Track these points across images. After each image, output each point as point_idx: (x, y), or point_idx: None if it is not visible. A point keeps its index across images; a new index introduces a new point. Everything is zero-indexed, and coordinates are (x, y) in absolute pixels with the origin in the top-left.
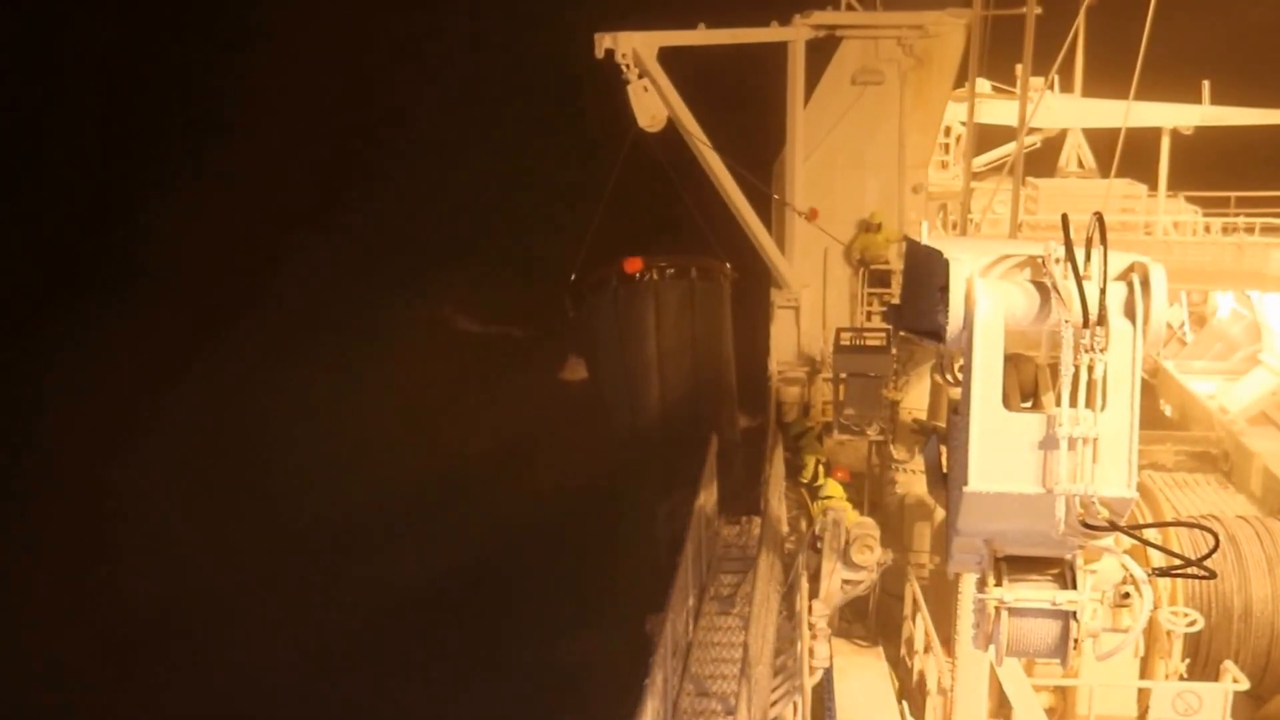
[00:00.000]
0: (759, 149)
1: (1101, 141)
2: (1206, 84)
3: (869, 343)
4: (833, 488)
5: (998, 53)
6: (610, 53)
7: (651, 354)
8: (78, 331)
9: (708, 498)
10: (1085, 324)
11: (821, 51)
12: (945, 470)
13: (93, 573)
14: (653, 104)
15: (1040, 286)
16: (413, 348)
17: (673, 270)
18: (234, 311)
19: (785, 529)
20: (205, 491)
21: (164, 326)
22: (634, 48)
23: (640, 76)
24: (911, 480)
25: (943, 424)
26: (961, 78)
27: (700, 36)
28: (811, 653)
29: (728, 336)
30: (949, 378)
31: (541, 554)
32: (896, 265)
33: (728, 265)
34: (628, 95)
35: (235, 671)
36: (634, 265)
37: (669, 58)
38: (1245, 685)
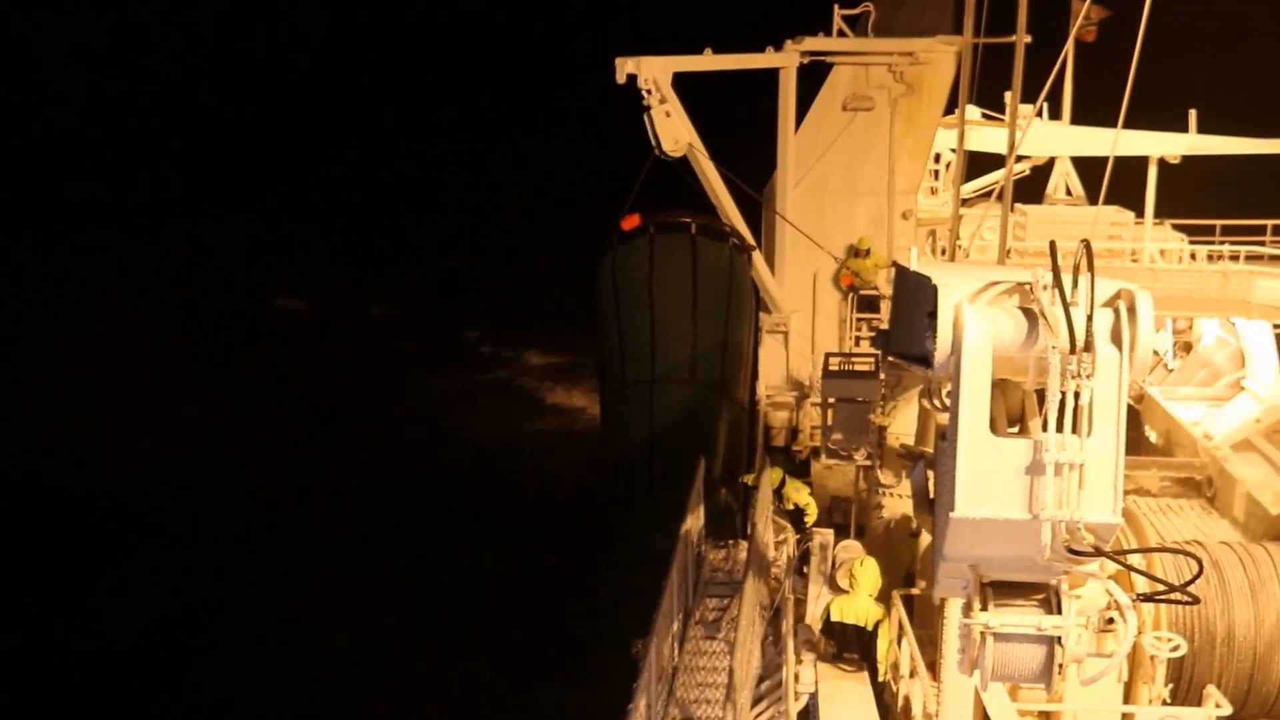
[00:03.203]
0: (751, 174)
1: (1089, 169)
2: (1193, 113)
3: (857, 368)
4: (794, 492)
5: (987, 80)
6: (632, 78)
7: (644, 312)
8: None
9: (694, 522)
10: (1072, 350)
11: (814, 78)
12: (932, 495)
13: None
14: (675, 129)
15: (1028, 313)
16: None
17: (672, 226)
18: None
19: (771, 553)
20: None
21: None
22: (654, 73)
23: (661, 102)
24: (898, 505)
25: (930, 449)
26: (951, 105)
27: (708, 62)
28: (797, 678)
29: (740, 299)
30: (937, 403)
31: (524, 569)
32: (885, 290)
33: (743, 237)
34: (649, 120)
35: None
36: (631, 221)
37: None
38: (1228, 710)
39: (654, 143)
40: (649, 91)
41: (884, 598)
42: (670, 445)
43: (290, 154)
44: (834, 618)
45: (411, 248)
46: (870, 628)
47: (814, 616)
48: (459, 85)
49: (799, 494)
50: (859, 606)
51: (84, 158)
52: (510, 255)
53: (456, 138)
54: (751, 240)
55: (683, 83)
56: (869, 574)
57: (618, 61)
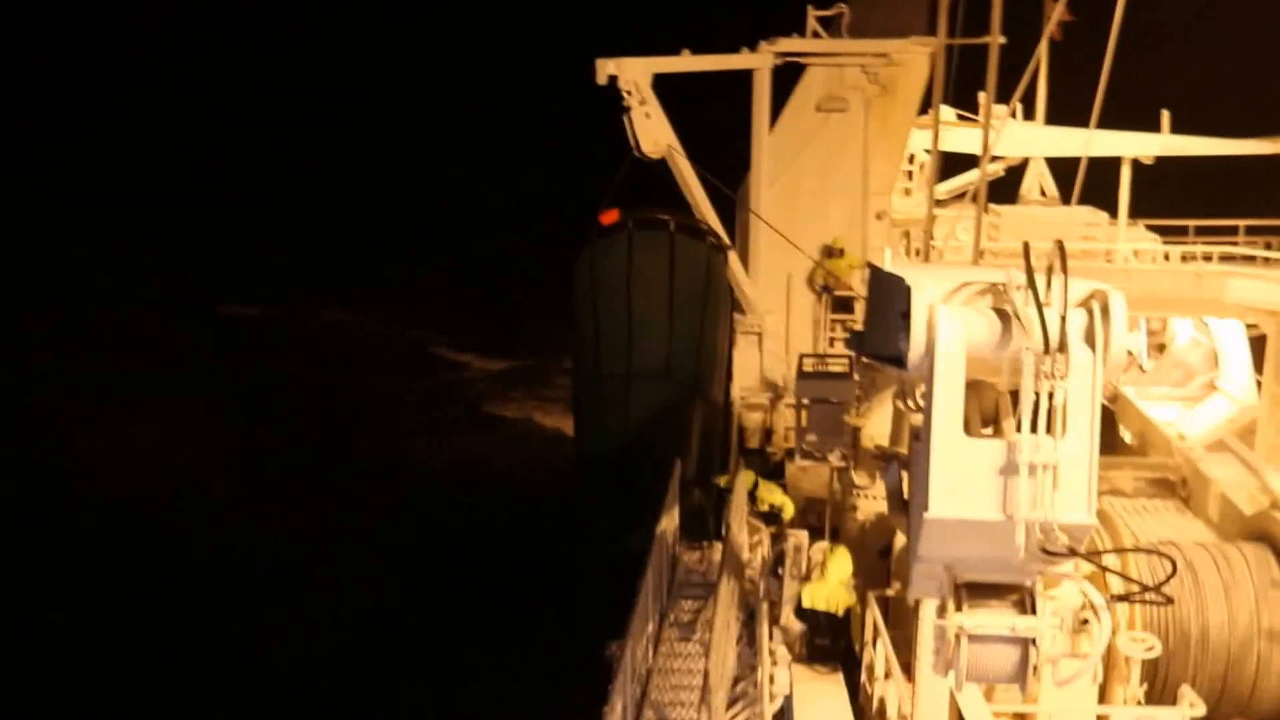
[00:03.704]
0: (727, 174)
1: (1064, 170)
2: (1166, 114)
3: (831, 369)
4: (767, 493)
5: (962, 81)
6: (612, 79)
7: (622, 307)
8: None
9: (669, 523)
10: (1046, 351)
11: (789, 79)
12: (906, 496)
13: None
14: (654, 130)
15: (1002, 313)
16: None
17: (650, 223)
18: None
19: (746, 555)
20: None
21: None
22: (635, 75)
23: (641, 103)
24: (873, 506)
25: (904, 450)
26: (925, 105)
27: (686, 63)
28: (772, 679)
29: (716, 298)
30: (911, 404)
31: (496, 572)
32: (860, 291)
33: (720, 236)
34: (629, 121)
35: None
36: (610, 217)
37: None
38: (1202, 710)
39: (633, 143)
40: (629, 93)
41: (860, 599)
42: (645, 442)
43: (247, 156)
44: (805, 604)
45: (369, 250)
46: (840, 614)
47: (788, 614)
48: (426, 82)
49: (773, 494)
50: (830, 593)
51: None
52: (475, 258)
53: (423, 138)
54: (727, 240)
55: (659, 82)
56: (840, 561)
57: (599, 63)
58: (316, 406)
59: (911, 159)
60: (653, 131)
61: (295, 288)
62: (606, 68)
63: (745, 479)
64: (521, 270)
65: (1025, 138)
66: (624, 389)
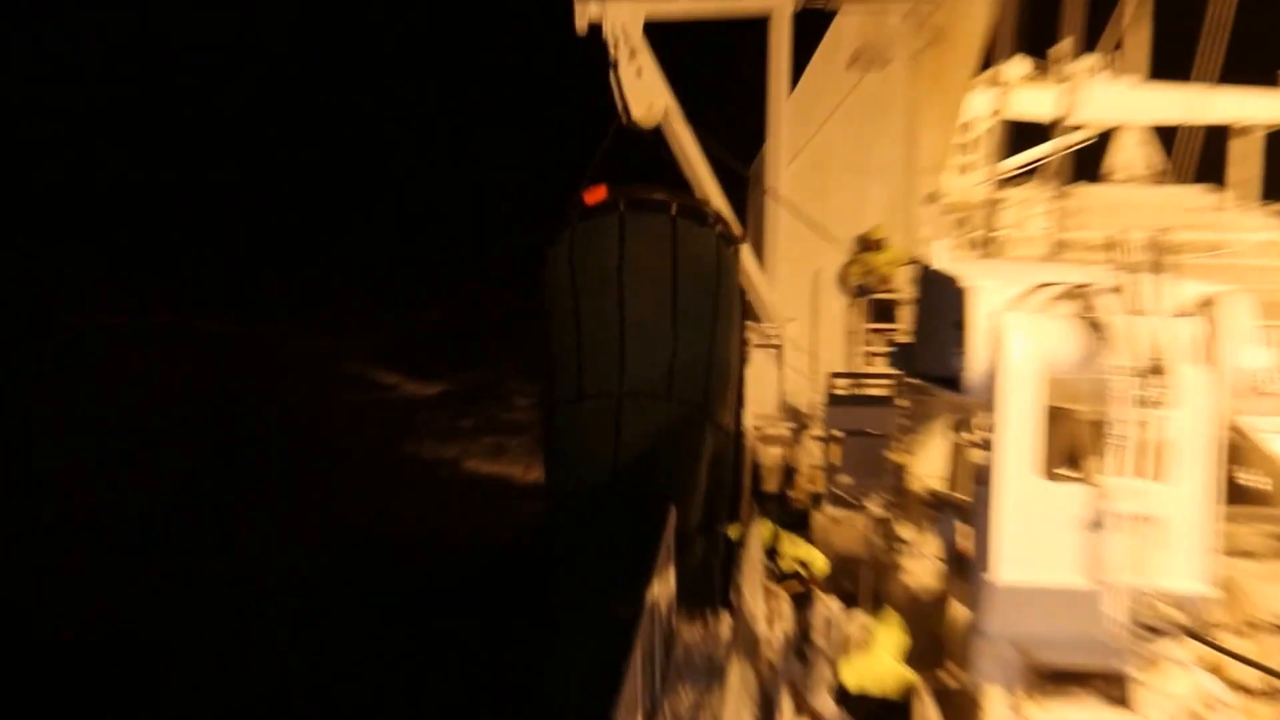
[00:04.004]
0: (737, 149)
1: (1167, 140)
2: None
3: (870, 392)
4: (790, 547)
5: (1034, 27)
6: (594, 28)
7: (612, 308)
8: None
9: (664, 587)
10: (1144, 371)
11: (814, 28)
12: (967, 556)
13: None
14: (648, 91)
15: (1087, 323)
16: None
17: (647, 204)
18: None
19: (763, 629)
20: None
21: None
22: (622, 21)
23: (631, 57)
24: (923, 569)
25: (964, 496)
26: (988, 60)
27: (685, 8)
28: None
29: (728, 299)
30: (971, 437)
31: (439, 651)
32: (905, 294)
33: (730, 223)
34: (615, 80)
35: None
36: (596, 194)
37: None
38: None
39: (620, 108)
40: (616, 44)
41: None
42: (639, 480)
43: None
44: (851, 686)
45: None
46: (897, 697)
47: (822, 701)
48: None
49: (797, 548)
50: (882, 671)
51: None
52: (397, 253)
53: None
54: (739, 229)
55: (655, 35)
56: (890, 629)
57: (577, 6)
58: (198, 442)
59: (970, 127)
60: (645, 92)
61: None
62: (587, 12)
63: (761, 531)
64: (461, 267)
65: (1117, 98)
66: (613, 412)
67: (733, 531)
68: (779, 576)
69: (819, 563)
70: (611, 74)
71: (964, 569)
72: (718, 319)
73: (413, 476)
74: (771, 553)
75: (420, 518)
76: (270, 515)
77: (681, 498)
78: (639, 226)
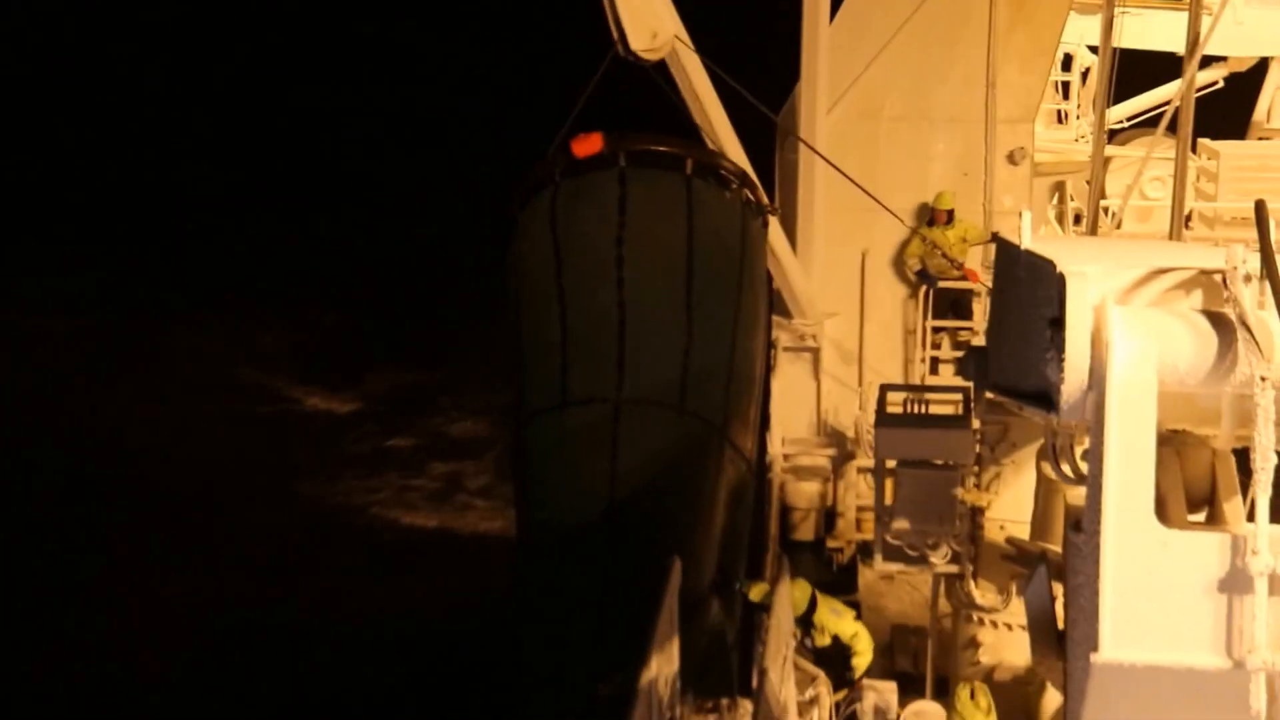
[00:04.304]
0: (764, 96)
1: None
2: None
3: (934, 410)
4: (831, 617)
5: None
6: None
7: (609, 291)
8: None
9: (663, 664)
10: None
11: None
12: (1062, 625)
13: None
14: (651, 14)
15: (1219, 320)
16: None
17: (655, 158)
18: None
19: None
20: None
21: None
22: None
23: None
24: (1005, 640)
25: (1056, 547)
26: None
27: None
28: None
29: (753, 287)
30: (1067, 470)
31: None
32: (981, 282)
33: (757, 186)
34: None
35: None
36: (589, 144)
37: None
38: None
39: (616, 35)
40: None
41: None
42: (642, 516)
43: None
44: None
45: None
46: None
47: None
48: None
49: (840, 622)
50: None
51: None
52: (308, 230)
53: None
54: (765, 198)
55: None
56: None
57: None
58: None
59: (1067, 63)
60: (647, 16)
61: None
62: None
63: (796, 594)
64: (381, 241)
65: (1261, 26)
66: (609, 422)
67: (754, 592)
68: (815, 654)
69: (863, 643)
70: None
71: (1059, 643)
72: (740, 312)
73: (328, 526)
74: (806, 622)
75: (336, 589)
76: (118, 588)
77: (693, 544)
78: (645, 187)
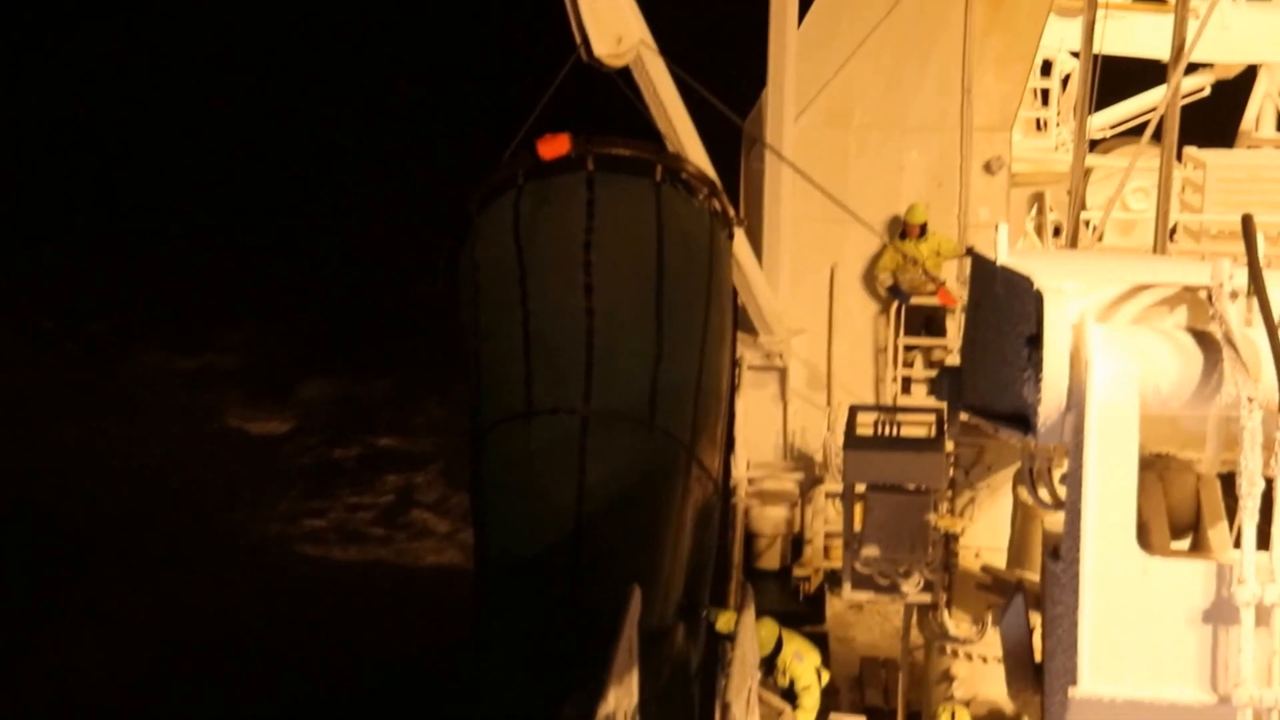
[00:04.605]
0: (730, 102)
1: None
2: None
3: (906, 433)
4: (794, 663)
5: None
6: None
7: (575, 297)
8: None
9: (621, 699)
10: None
11: None
12: (1039, 657)
13: None
14: (616, 18)
15: (1204, 339)
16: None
17: (624, 162)
18: None
19: None
20: None
21: None
22: None
23: None
24: (980, 673)
25: (1034, 576)
26: None
27: None
28: None
29: (720, 297)
30: (1044, 495)
31: None
32: (956, 298)
33: (723, 196)
34: (570, 3)
35: None
36: (556, 145)
37: None
38: None
39: (579, 39)
40: None
41: None
42: (609, 533)
43: None
44: None
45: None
46: None
47: None
48: None
49: (801, 668)
50: None
51: None
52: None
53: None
54: (731, 209)
55: None
56: None
57: None
58: None
59: (1048, 69)
60: (612, 20)
61: None
62: None
63: (762, 634)
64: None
65: (1250, 30)
66: (576, 435)
67: (721, 622)
68: (780, 691)
69: (811, 695)
70: None
71: (1036, 676)
72: (709, 325)
73: (272, 550)
74: (770, 663)
75: (282, 615)
76: (62, 614)
77: (660, 568)
78: (613, 192)
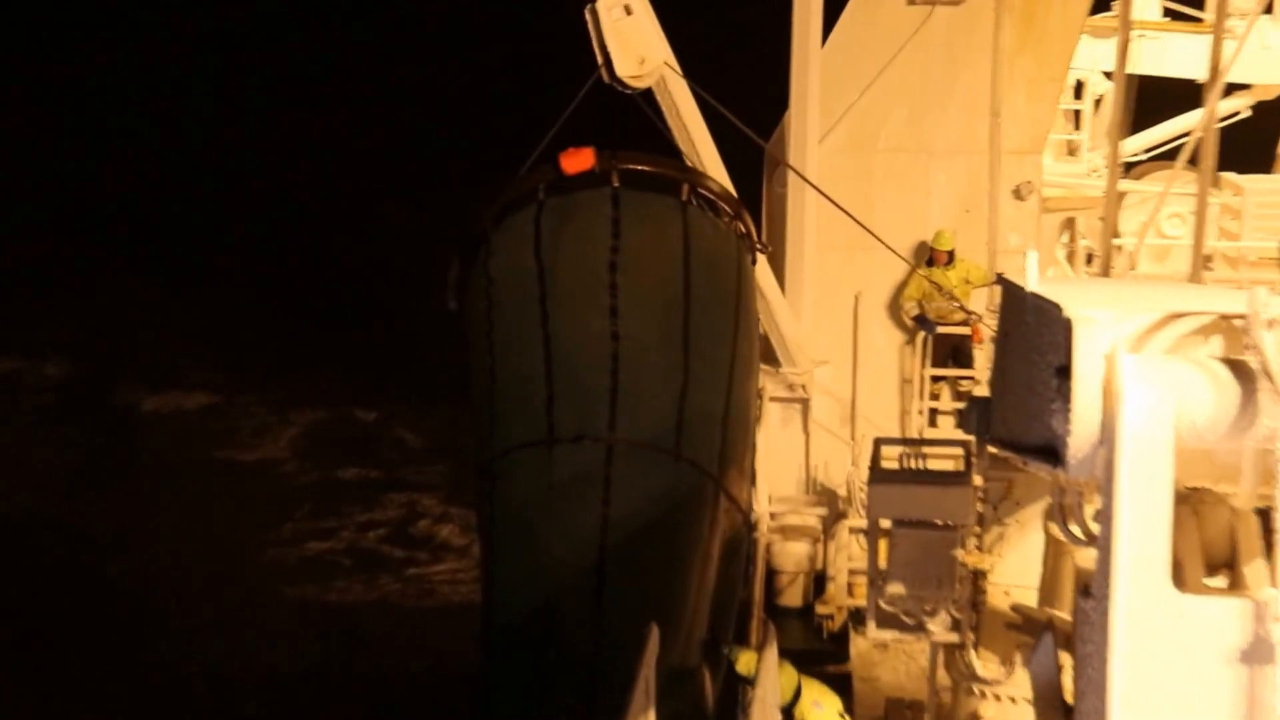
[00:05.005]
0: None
1: None
2: None
3: (933, 466)
4: (813, 712)
5: None
6: None
7: (600, 320)
8: None
9: None
10: None
11: None
12: (1070, 698)
13: None
14: (640, 39)
15: (1240, 370)
16: None
17: (650, 179)
18: None
19: None
20: None
21: None
22: None
23: None
24: (1008, 715)
25: (1065, 614)
26: None
27: None
28: None
29: (748, 323)
30: (1076, 530)
31: None
32: (985, 327)
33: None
34: (594, 20)
35: None
36: (579, 160)
37: None
38: None
39: (600, 60)
40: None
41: None
42: (635, 568)
43: None
44: None
45: None
46: None
47: None
48: None
49: (822, 715)
50: None
51: None
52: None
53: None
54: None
55: None
56: None
57: None
58: None
59: (1080, 90)
60: (636, 41)
61: None
62: None
63: (783, 682)
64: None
65: None
66: (601, 464)
67: (742, 663)
68: None
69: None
70: (589, 11)
71: (1066, 718)
72: (737, 352)
73: (272, 580)
74: (788, 714)
75: (283, 646)
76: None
77: (686, 606)
78: (639, 209)
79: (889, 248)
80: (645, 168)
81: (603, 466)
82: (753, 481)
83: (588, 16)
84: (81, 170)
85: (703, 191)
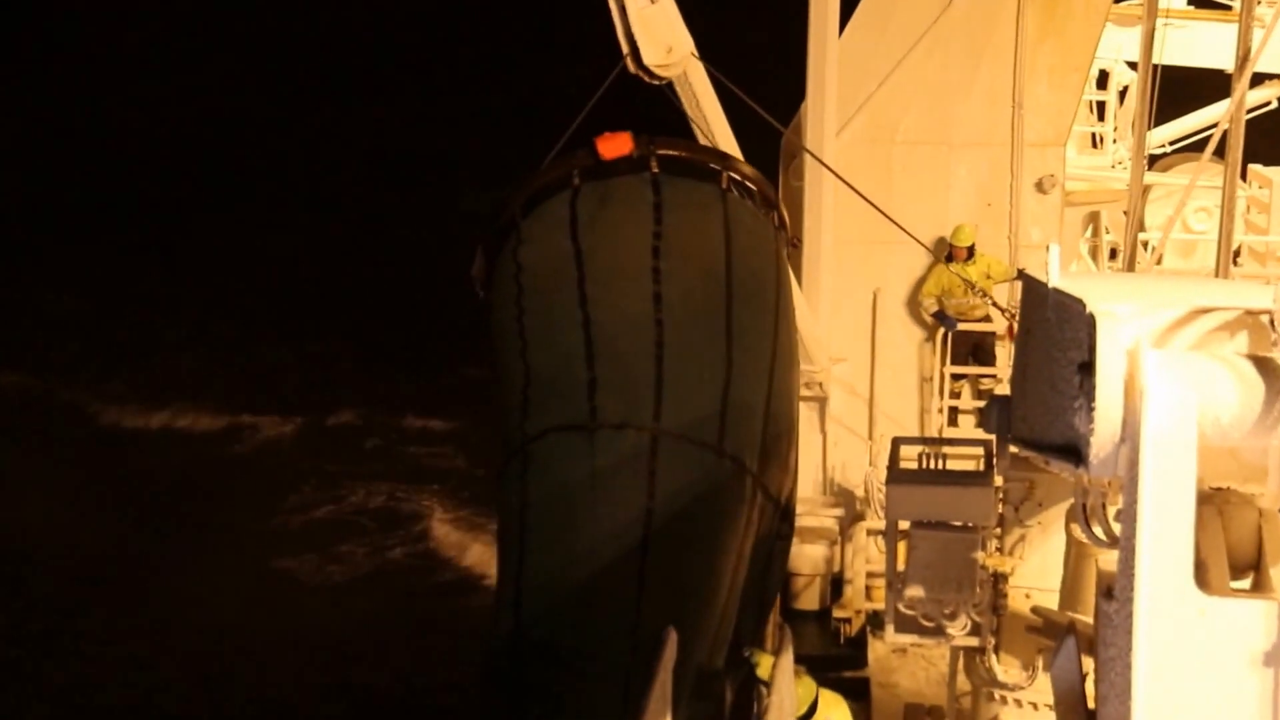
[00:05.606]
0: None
1: None
2: None
3: (952, 466)
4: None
5: None
6: None
7: (642, 305)
8: None
9: None
10: None
11: None
12: (1093, 703)
13: None
14: (665, 29)
15: (1267, 366)
16: None
17: (689, 166)
18: None
19: None
20: None
21: None
22: None
23: None
24: None
25: (1087, 617)
26: None
27: None
28: None
29: (788, 324)
30: (1098, 532)
31: None
32: (1006, 323)
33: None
34: (618, 10)
35: None
36: (617, 145)
37: None
38: None
39: (627, 49)
40: None
41: None
42: (676, 565)
43: None
44: None
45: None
46: None
47: None
48: None
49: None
50: None
51: None
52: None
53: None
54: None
55: None
56: None
57: None
58: None
59: (1104, 80)
60: (664, 29)
61: None
62: None
63: (800, 693)
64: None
65: None
66: (647, 455)
67: (762, 667)
68: None
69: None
70: (613, 1)
71: None
72: (779, 345)
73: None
74: None
75: (288, 648)
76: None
77: (714, 606)
78: (681, 196)
79: (914, 238)
80: (684, 154)
81: (648, 457)
82: (794, 479)
83: (612, 5)
84: (74, 172)
85: (743, 179)
